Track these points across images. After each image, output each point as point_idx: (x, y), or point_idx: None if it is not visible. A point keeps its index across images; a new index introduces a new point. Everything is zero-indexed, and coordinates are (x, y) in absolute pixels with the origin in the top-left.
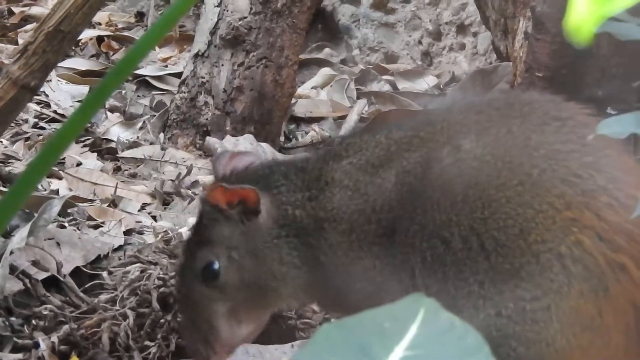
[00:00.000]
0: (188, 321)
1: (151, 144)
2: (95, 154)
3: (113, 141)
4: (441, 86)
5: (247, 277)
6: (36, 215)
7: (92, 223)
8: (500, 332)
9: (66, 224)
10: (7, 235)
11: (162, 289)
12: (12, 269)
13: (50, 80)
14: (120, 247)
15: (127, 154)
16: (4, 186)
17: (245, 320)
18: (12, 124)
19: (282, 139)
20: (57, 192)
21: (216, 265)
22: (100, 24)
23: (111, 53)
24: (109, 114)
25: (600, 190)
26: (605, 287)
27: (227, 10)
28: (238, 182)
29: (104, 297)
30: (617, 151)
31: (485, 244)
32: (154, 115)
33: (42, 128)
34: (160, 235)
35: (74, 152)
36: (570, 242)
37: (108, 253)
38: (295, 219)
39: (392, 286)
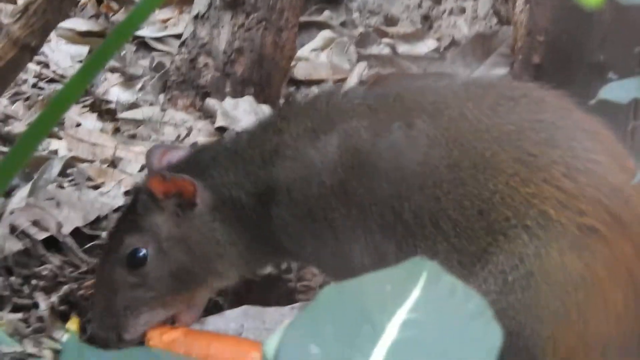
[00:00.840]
0: (102, 306)
1: (151, 105)
2: (95, 114)
3: (112, 102)
4: (441, 50)
5: (177, 266)
6: (36, 175)
7: (92, 184)
8: (494, 307)
9: (66, 184)
10: (7, 195)
11: None
12: (12, 229)
13: (50, 41)
14: (119, 208)
15: (127, 115)
16: (3, 145)
17: (169, 304)
18: (12, 84)
19: (281, 101)
20: (56, 152)
21: (143, 253)
22: None
23: (110, 14)
24: (108, 74)
25: (556, 163)
26: (585, 245)
27: None
28: (178, 172)
29: None
30: (575, 120)
31: (439, 223)
32: (154, 77)
33: (42, 88)
34: None
35: (73, 112)
36: (533, 214)
37: (107, 214)
38: (232, 200)
39: (351, 247)
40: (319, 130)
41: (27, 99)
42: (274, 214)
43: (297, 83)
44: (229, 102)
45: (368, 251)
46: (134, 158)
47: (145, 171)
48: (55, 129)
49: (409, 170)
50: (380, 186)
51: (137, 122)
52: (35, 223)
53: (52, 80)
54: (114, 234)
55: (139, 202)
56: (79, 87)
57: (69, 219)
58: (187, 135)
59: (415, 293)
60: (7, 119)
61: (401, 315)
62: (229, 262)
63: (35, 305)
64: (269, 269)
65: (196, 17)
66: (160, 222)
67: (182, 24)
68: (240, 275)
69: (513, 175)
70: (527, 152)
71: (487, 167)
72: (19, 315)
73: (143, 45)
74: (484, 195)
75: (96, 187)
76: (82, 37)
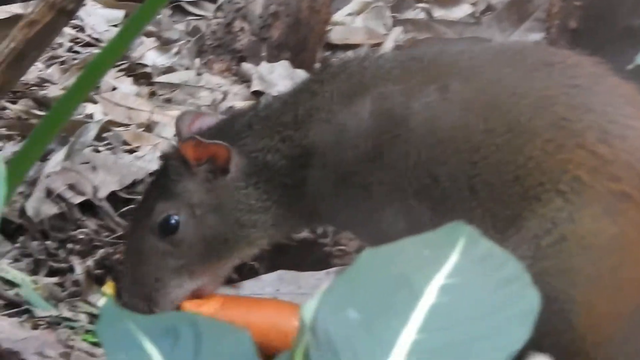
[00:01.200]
0: (133, 276)
1: (186, 69)
2: (131, 78)
3: (148, 66)
4: (477, 15)
5: (209, 233)
6: (72, 139)
7: (127, 148)
8: (529, 272)
9: (101, 148)
10: (43, 159)
11: None
12: (48, 193)
13: (86, 4)
14: (155, 172)
15: (163, 79)
16: (39, 109)
17: (198, 273)
18: (48, 48)
19: (317, 65)
20: (92, 116)
21: (175, 220)
22: None
23: None
24: (144, 38)
25: (591, 128)
26: (619, 211)
27: None
28: (210, 139)
29: None
30: (610, 85)
31: (475, 187)
32: (190, 41)
33: (77, 52)
34: None
35: (109, 76)
36: (567, 179)
37: (143, 178)
38: (266, 165)
39: (385, 211)
40: (353, 94)
41: (63, 63)
42: (309, 179)
43: (333, 47)
44: (264, 66)
45: (403, 216)
46: (169, 122)
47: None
48: (91, 93)
49: (445, 134)
50: (416, 150)
51: (173, 86)
52: (71, 187)
53: (87, 45)
54: (144, 201)
55: (171, 168)
56: (116, 52)
57: (105, 183)
58: (223, 99)
59: (454, 258)
60: (42, 82)
61: (439, 279)
62: (262, 228)
63: (71, 269)
64: (304, 234)
65: None
66: (193, 188)
67: None
68: (271, 241)
69: (548, 141)
70: (562, 117)
71: (523, 132)
72: (55, 279)
73: (179, 9)
74: (520, 161)
75: (132, 151)
76: (117, 1)
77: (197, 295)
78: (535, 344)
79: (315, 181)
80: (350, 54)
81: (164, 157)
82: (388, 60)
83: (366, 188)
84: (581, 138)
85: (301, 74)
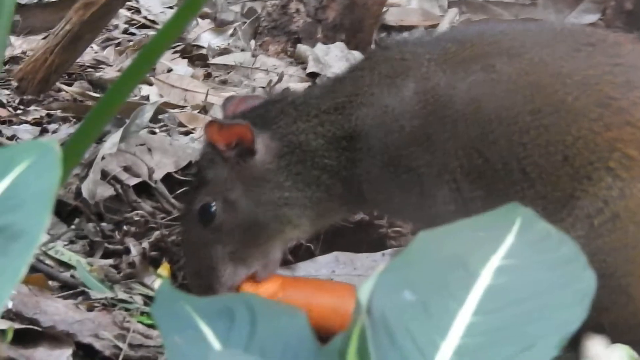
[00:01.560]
0: (191, 267)
1: (242, 50)
2: (186, 60)
3: (204, 47)
4: None
5: (246, 217)
6: (128, 121)
7: (183, 129)
8: (583, 251)
9: (157, 130)
10: (99, 141)
11: None
12: (104, 175)
13: None
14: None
15: (218, 60)
16: (94, 91)
17: (248, 259)
18: (103, 30)
19: (372, 47)
20: (147, 98)
21: (212, 207)
22: None
23: None
24: (199, 20)
25: (637, 105)
26: None
27: None
28: (239, 119)
29: None
30: None
31: (526, 170)
32: (245, 22)
33: (132, 34)
34: None
35: (164, 58)
36: (616, 157)
37: None
38: (300, 144)
39: (435, 193)
40: (396, 75)
41: (118, 44)
42: (355, 163)
43: (388, 29)
44: (320, 47)
45: (453, 199)
46: None
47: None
48: (147, 75)
49: (492, 114)
50: (464, 130)
51: (228, 68)
52: (127, 169)
53: (143, 26)
54: (190, 191)
55: (205, 155)
56: (172, 34)
57: (160, 165)
58: (279, 81)
59: (510, 239)
60: (98, 64)
61: (495, 261)
62: (299, 209)
63: (127, 251)
64: (360, 215)
65: None
66: (224, 174)
67: None
68: (313, 225)
69: (595, 120)
70: (608, 96)
71: (569, 112)
72: (110, 261)
73: None
74: (568, 141)
75: (187, 133)
76: None
77: (254, 279)
78: (594, 322)
79: (362, 165)
80: (405, 35)
81: (204, 145)
82: (430, 42)
83: (415, 172)
84: (628, 115)
85: (357, 55)
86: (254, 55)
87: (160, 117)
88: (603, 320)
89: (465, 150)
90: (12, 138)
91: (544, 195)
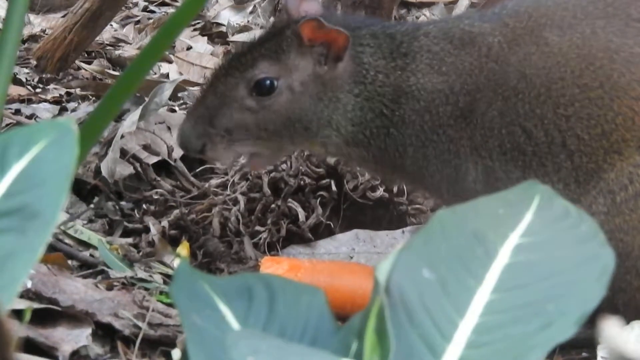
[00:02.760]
0: (204, 111)
1: (261, 28)
2: (206, 37)
3: (223, 25)
4: None
5: (296, 114)
6: (147, 99)
7: None
8: (602, 229)
9: (177, 108)
10: (118, 119)
11: (273, 174)
12: (123, 153)
13: None
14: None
15: (238, 37)
16: (114, 69)
17: (264, 144)
18: (123, 8)
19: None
20: (167, 75)
21: (274, 84)
22: None
23: None
24: None
25: None
26: None
27: None
28: (333, 25)
29: (214, 181)
30: None
31: (567, 142)
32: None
33: (152, 12)
34: None
35: (184, 35)
36: None
37: None
38: (374, 82)
39: (469, 168)
40: (462, 47)
41: (138, 22)
42: (406, 123)
43: (408, 5)
44: None
45: (484, 176)
46: None
47: None
48: (166, 53)
49: (543, 88)
50: (513, 106)
51: None
52: (146, 147)
53: (162, 4)
54: (246, 52)
55: (284, 37)
56: (192, 11)
57: None
58: None
59: (528, 217)
60: (117, 42)
61: (514, 238)
62: (338, 135)
63: (146, 230)
64: (380, 192)
65: None
66: (302, 64)
67: None
68: (336, 154)
69: (636, 99)
70: None
71: (613, 87)
72: (130, 239)
73: None
74: (609, 116)
75: None
76: None
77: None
78: (608, 302)
79: (412, 127)
80: (425, 11)
81: (279, 24)
82: (492, 17)
83: (456, 143)
84: None
85: None
86: None
87: (179, 94)
88: (617, 300)
89: (509, 129)
90: (31, 117)
91: (579, 166)
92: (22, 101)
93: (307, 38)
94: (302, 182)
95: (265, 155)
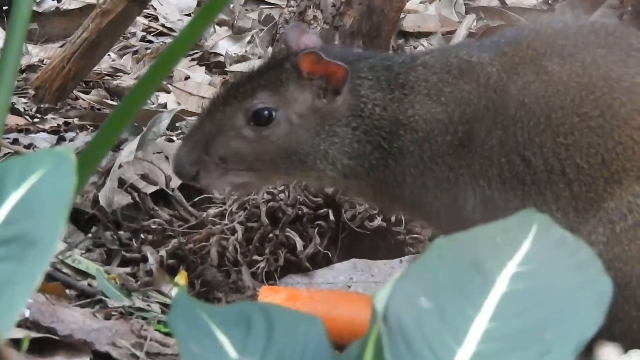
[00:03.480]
0: (201, 137)
1: (259, 58)
2: (204, 67)
3: (221, 55)
4: (550, 2)
5: (293, 146)
6: (145, 128)
7: None
8: (601, 258)
9: (174, 138)
10: (116, 148)
11: (270, 203)
12: (121, 183)
13: None
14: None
15: (236, 67)
16: (111, 99)
17: (256, 173)
18: (121, 38)
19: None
20: (165, 105)
21: (272, 115)
22: None
23: None
24: (217, 27)
25: None
26: None
27: None
28: (332, 58)
29: (212, 211)
30: None
31: (566, 170)
32: (263, 29)
33: (150, 42)
34: None
35: (182, 65)
36: None
37: None
38: (372, 115)
39: (468, 196)
40: (460, 77)
41: (136, 52)
42: (402, 151)
43: (406, 35)
44: None
45: (482, 205)
46: None
47: None
48: (164, 82)
49: (542, 117)
50: (512, 134)
51: None
52: (144, 177)
53: (160, 34)
54: (245, 82)
55: (284, 69)
56: (189, 41)
57: None
58: None
59: (526, 245)
60: (115, 72)
61: (512, 267)
62: (338, 171)
63: (144, 259)
64: (378, 222)
65: None
66: (301, 97)
67: None
68: (332, 185)
69: (636, 129)
70: None
71: (614, 116)
72: (128, 269)
73: None
74: (609, 145)
75: None
76: None
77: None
78: (606, 331)
79: (410, 157)
80: (423, 41)
81: (278, 56)
82: (490, 46)
83: (455, 172)
84: None
85: None
86: None
87: (177, 124)
88: (615, 330)
89: (508, 158)
90: (29, 146)
91: (578, 195)
92: (20, 131)
93: (306, 71)
94: (299, 212)
95: (254, 185)
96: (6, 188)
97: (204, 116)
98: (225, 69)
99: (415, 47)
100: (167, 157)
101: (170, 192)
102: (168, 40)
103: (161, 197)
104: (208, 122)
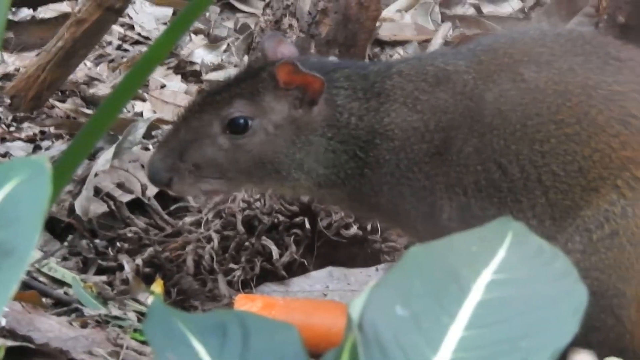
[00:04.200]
0: (175, 144)
1: (235, 66)
2: (180, 76)
3: (197, 63)
4: (526, 10)
5: (269, 156)
6: (121, 137)
7: None
8: (578, 267)
9: (150, 146)
10: (92, 157)
11: (246, 212)
12: (97, 191)
13: (134, 3)
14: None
15: (211, 76)
16: (87, 108)
17: (229, 181)
18: (96, 46)
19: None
20: (141, 114)
21: (248, 124)
22: None
23: None
24: (193, 36)
25: None
26: None
27: None
28: (309, 69)
29: (188, 219)
30: None
31: (542, 178)
32: (239, 38)
33: (126, 50)
34: None
35: (158, 74)
36: (626, 177)
37: None
38: (348, 125)
39: (444, 205)
40: (437, 85)
41: (112, 61)
42: (381, 163)
43: (382, 44)
44: None
45: (459, 212)
46: None
47: None
48: (140, 91)
49: (519, 125)
50: (489, 142)
51: None
52: (120, 185)
53: (136, 42)
54: (221, 91)
55: (260, 79)
56: (165, 49)
57: None
58: None
59: (501, 253)
60: (91, 81)
61: (487, 275)
62: (313, 180)
63: (120, 268)
64: (354, 230)
65: None
66: (277, 107)
67: None
68: (308, 193)
69: (614, 136)
70: (630, 114)
71: (591, 124)
72: (104, 277)
73: (228, 6)
74: (586, 152)
75: None
76: None
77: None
78: (582, 340)
79: (387, 166)
80: (399, 50)
81: (255, 65)
82: (466, 54)
83: (431, 180)
84: None
85: None
86: None
87: (153, 133)
88: (592, 339)
89: (485, 165)
90: (5, 155)
91: (555, 203)
92: None
93: (283, 81)
94: (275, 220)
95: (224, 192)
96: None
97: (179, 123)
98: (201, 78)
99: (391, 56)
100: (143, 166)
101: (146, 201)
102: (144, 48)
103: (137, 205)
104: (184, 129)
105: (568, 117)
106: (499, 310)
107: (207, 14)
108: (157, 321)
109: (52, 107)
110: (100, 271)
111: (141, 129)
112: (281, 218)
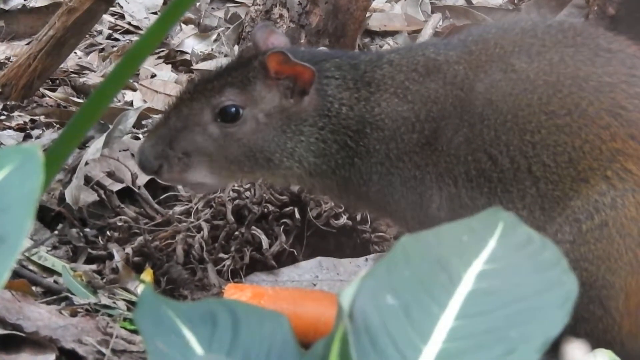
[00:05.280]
0: (166, 132)
1: (226, 56)
2: (170, 65)
3: (187, 53)
4: (515, 1)
5: (259, 145)
6: (111, 126)
7: None
8: (567, 258)
9: (141, 136)
10: (82, 146)
11: (236, 201)
12: (87, 180)
13: None
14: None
15: (202, 65)
16: (78, 97)
17: (219, 171)
18: (87, 36)
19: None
20: (131, 103)
21: (239, 113)
22: None
23: None
24: (183, 26)
25: None
26: None
27: None
28: (299, 59)
29: (178, 209)
30: None
31: (532, 168)
32: (229, 28)
33: (116, 39)
34: None
35: (148, 63)
36: (615, 168)
37: None
38: (339, 114)
39: (434, 194)
40: (427, 75)
41: (102, 50)
42: (371, 152)
43: (372, 34)
44: None
45: (449, 201)
46: None
47: None
48: (130, 81)
49: (509, 115)
50: (479, 132)
51: None
52: (110, 174)
53: (127, 32)
54: (212, 79)
55: (251, 68)
56: (155, 39)
57: None
58: None
59: (492, 243)
60: (82, 70)
61: (477, 265)
62: (304, 169)
63: (110, 257)
64: (343, 220)
65: None
66: (268, 96)
67: None
68: (299, 183)
69: (603, 128)
70: (620, 106)
71: (581, 115)
72: (94, 266)
73: None
74: (576, 144)
75: None
76: None
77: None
78: (571, 331)
79: (377, 156)
80: (389, 40)
81: (246, 54)
82: (457, 44)
83: (421, 170)
84: (635, 129)
85: None
86: None
87: (143, 122)
88: (580, 330)
89: (475, 155)
90: None
91: (545, 193)
92: None
93: (274, 71)
94: (265, 210)
95: (212, 185)
96: None
97: (170, 111)
98: (192, 67)
99: (381, 46)
100: (133, 155)
101: (136, 190)
102: (134, 38)
103: (127, 194)
104: (174, 117)
105: (559, 108)
106: (489, 300)
107: (198, 4)
108: (147, 310)
109: (43, 96)
110: (90, 260)
111: (131, 118)
112: (271, 208)
